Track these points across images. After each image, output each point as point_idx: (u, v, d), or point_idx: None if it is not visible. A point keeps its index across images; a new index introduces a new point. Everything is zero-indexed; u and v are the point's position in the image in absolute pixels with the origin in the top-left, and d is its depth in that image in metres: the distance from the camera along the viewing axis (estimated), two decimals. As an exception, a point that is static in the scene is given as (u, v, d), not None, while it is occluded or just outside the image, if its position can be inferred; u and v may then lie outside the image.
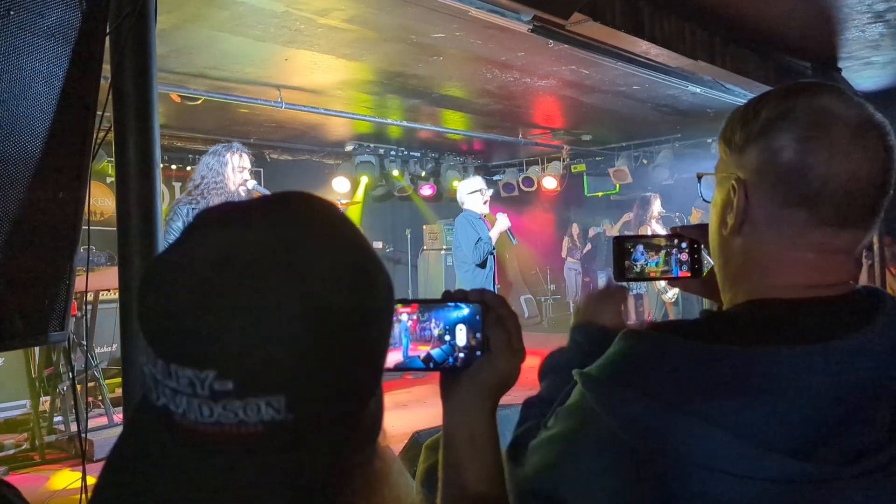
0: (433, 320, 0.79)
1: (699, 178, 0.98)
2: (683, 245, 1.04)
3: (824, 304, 0.79)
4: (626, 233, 9.61)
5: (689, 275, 1.04)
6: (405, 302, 0.79)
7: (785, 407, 0.70)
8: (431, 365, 0.79)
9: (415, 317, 0.79)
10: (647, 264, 1.03)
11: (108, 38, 1.91)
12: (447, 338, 0.79)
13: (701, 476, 0.69)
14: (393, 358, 0.77)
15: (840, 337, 0.74)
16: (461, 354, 0.79)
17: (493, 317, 0.80)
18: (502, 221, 5.26)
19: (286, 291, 0.50)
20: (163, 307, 0.50)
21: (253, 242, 0.51)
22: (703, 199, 0.94)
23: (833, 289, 0.80)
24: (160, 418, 0.52)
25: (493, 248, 5.22)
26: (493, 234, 5.21)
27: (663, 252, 1.04)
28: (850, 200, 0.77)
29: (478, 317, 0.79)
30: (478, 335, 0.79)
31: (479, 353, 0.79)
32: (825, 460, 0.69)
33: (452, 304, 0.79)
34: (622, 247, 1.03)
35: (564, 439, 0.80)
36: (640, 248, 1.03)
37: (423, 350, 0.79)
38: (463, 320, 0.79)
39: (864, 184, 0.77)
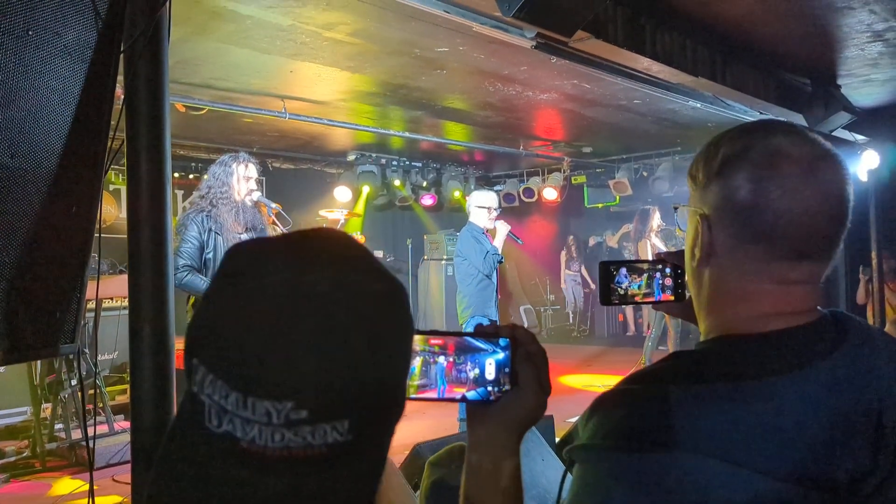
0: (469, 363, 0.80)
1: (675, 209, 1.02)
2: (667, 270, 1.06)
3: (792, 334, 0.81)
4: (626, 244, 9.66)
5: (672, 298, 1.06)
6: (435, 334, 0.79)
7: (767, 434, 0.72)
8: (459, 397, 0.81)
9: (451, 359, 0.79)
10: (630, 287, 1.05)
11: (122, 56, 1.95)
12: (481, 380, 0.80)
13: None
14: (428, 397, 0.79)
15: (812, 365, 0.76)
16: (489, 388, 0.80)
17: (523, 352, 0.81)
18: (502, 228, 5.31)
19: (352, 324, 0.53)
20: (241, 343, 0.52)
21: (316, 281, 0.54)
22: (680, 229, 0.98)
23: (798, 317, 0.82)
24: (220, 443, 0.53)
25: (502, 258, 5.27)
26: (498, 243, 5.26)
27: (646, 276, 1.06)
28: (805, 236, 0.80)
29: (508, 352, 0.80)
30: (506, 370, 0.80)
31: (506, 387, 0.80)
32: (818, 488, 0.71)
33: (489, 345, 0.80)
34: (607, 271, 1.06)
35: None
36: (624, 271, 1.05)
37: (458, 392, 0.80)
38: (493, 354, 0.80)
39: (819, 219, 0.80)
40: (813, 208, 0.80)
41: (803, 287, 0.83)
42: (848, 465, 0.73)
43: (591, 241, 12.29)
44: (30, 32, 1.70)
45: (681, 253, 1.04)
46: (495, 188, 11.09)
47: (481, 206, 5.35)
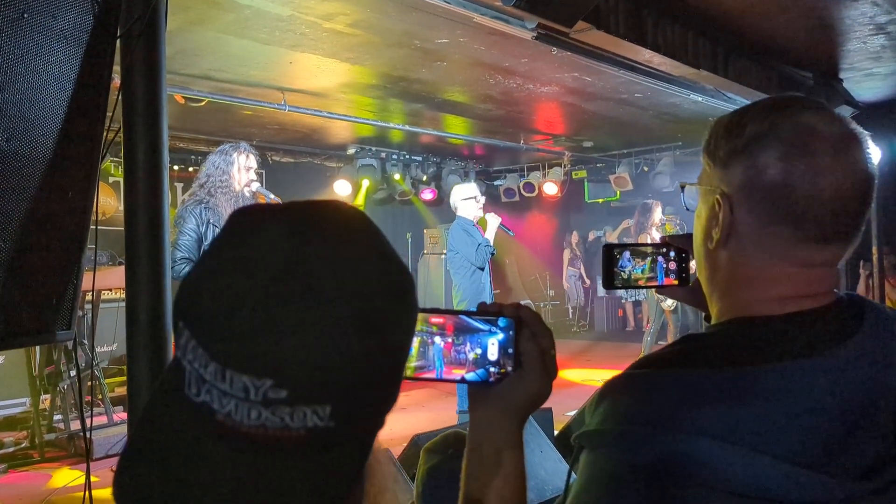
0: (468, 344, 0.76)
1: (682, 187, 0.97)
2: (671, 254, 1.04)
3: (810, 317, 0.78)
4: (626, 240, 9.66)
5: (675, 283, 1.04)
6: (436, 312, 0.76)
7: (786, 420, 0.70)
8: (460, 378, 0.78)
9: (449, 339, 0.76)
10: (633, 271, 1.03)
11: (118, 41, 1.94)
12: (482, 361, 0.76)
13: (720, 499, 0.69)
14: (427, 378, 0.76)
15: (830, 348, 0.74)
16: (492, 369, 0.77)
17: (528, 333, 0.77)
18: (493, 221, 5.34)
19: (343, 306, 0.50)
20: (226, 312, 0.50)
21: (313, 256, 0.51)
22: (687, 209, 0.93)
23: (817, 299, 0.80)
24: (196, 412, 0.51)
25: (494, 250, 5.29)
26: (489, 235, 5.29)
27: (649, 259, 1.04)
28: (834, 217, 0.78)
29: (511, 332, 0.76)
30: (510, 351, 0.76)
31: (510, 369, 0.77)
32: (838, 475, 0.69)
33: (487, 326, 0.76)
34: (611, 254, 1.04)
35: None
36: (627, 254, 1.03)
37: (457, 374, 0.77)
38: (495, 335, 0.77)
39: (848, 200, 0.78)
40: (843, 189, 0.77)
41: (826, 269, 0.81)
42: (868, 450, 0.71)
43: (591, 236, 12.31)
44: (25, 16, 1.68)
45: (686, 236, 1.00)
46: (495, 183, 11.08)
47: (467, 197, 5.38)
